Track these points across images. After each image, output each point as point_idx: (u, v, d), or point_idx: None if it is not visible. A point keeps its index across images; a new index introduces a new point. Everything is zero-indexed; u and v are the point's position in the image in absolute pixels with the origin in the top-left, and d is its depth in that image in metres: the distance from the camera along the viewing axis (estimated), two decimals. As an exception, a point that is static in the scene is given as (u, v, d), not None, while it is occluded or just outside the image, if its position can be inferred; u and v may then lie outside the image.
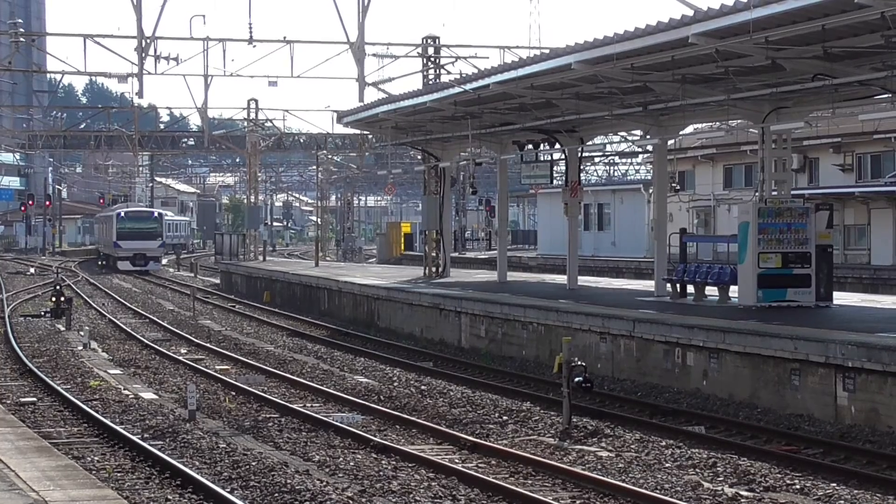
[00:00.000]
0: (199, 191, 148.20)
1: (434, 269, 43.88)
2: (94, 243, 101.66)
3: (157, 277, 70.43)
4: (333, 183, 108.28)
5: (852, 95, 25.93)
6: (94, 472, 15.17)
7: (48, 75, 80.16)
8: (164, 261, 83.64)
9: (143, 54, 35.57)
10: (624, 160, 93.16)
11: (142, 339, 33.84)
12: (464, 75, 33.86)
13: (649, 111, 28.80)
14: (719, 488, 14.90)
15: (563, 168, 35.44)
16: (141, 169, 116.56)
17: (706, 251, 45.75)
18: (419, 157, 48.67)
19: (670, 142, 37.74)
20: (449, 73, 41.11)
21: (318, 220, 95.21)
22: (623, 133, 39.60)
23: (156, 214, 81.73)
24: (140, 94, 36.95)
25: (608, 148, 53.01)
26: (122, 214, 78.60)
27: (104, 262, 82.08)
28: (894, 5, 18.78)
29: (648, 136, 32.31)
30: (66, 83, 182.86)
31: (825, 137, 54.71)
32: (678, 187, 59.58)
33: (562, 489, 15.17)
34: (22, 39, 40.39)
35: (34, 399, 22.57)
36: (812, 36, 21.36)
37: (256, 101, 67.81)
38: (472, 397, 22.74)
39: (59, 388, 23.39)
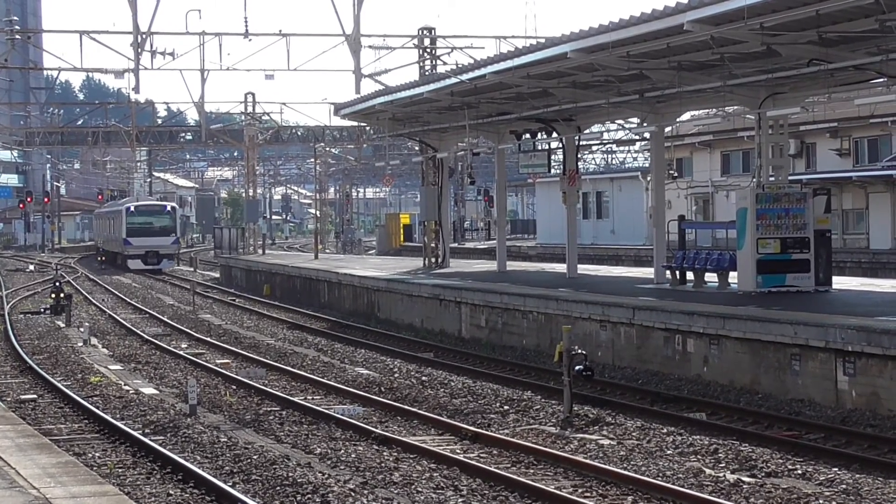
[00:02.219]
0: (197, 185, 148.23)
1: (433, 260, 43.87)
2: (93, 239, 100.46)
3: (157, 272, 70.22)
4: (332, 175, 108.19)
5: (848, 80, 25.92)
6: (95, 468, 15.17)
7: (45, 72, 79.91)
8: None
9: (140, 50, 35.62)
10: (621, 148, 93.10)
11: (142, 334, 33.83)
12: (460, 66, 33.81)
13: (646, 99, 28.79)
14: (721, 475, 14.91)
15: (561, 157, 35.43)
16: (139, 164, 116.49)
17: (705, 238, 45.83)
18: (417, 148, 48.62)
19: (667, 129, 37.69)
20: (445, 63, 41.09)
21: (317, 212, 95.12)
22: (620, 121, 39.56)
23: (168, 208, 75.39)
24: (137, 89, 37.08)
25: (605, 136, 52.94)
26: (133, 209, 73.45)
27: (103, 259, 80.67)
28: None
29: (645, 124, 32.28)
30: (62, 80, 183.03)
31: (822, 122, 54.67)
32: (676, 174, 59.65)
33: (564, 478, 15.17)
34: (18, 37, 40.38)
35: (34, 396, 22.56)
36: (807, 21, 21.34)
37: (253, 94, 67.74)
38: (473, 387, 22.75)
39: (59, 385, 23.38)
